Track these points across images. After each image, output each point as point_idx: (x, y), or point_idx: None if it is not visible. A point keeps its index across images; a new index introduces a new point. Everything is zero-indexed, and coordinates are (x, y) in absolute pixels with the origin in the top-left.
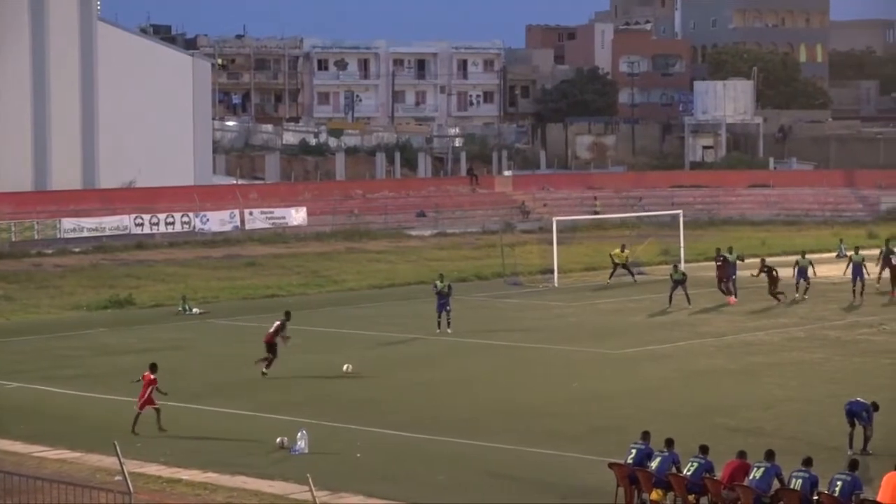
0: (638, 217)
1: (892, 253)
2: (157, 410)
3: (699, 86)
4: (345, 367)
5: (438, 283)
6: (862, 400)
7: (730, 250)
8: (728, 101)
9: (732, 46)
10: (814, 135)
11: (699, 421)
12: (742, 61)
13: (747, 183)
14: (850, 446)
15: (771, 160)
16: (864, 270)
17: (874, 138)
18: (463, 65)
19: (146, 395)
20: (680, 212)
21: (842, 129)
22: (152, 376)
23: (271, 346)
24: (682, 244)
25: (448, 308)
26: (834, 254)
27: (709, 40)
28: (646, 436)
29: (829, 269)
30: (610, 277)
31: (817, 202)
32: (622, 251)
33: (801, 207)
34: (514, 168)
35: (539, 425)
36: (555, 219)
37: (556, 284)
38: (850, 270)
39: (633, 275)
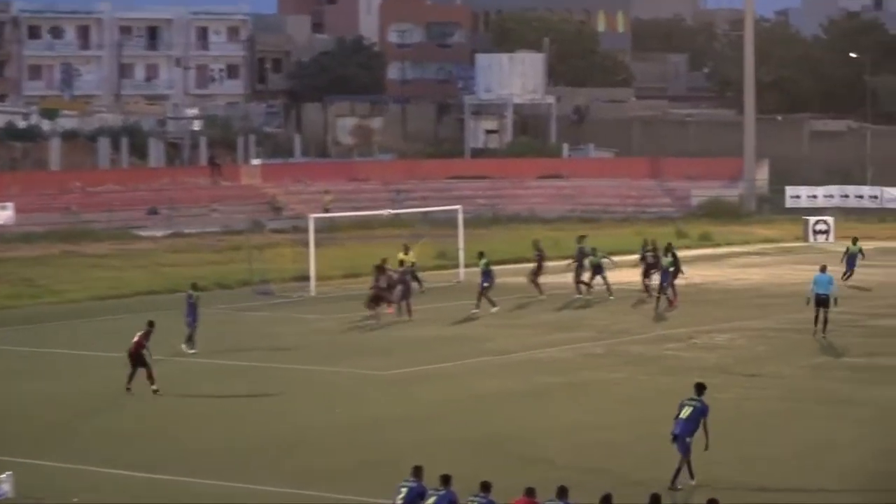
0: (409, 214)
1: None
2: None
3: (481, 59)
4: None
5: (193, 292)
6: (687, 416)
7: (480, 255)
8: (515, 78)
9: (520, 13)
10: (614, 117)
11: (481, 453)
12: (531, 31)
13: (537, 173)
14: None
15: (565, 146)
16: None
17: (683, 121)
18: (203, 33)
19: None
20: (459, 207)
21: (646, 111)
22: None
23: (138, 358)
24: (461, 245)
25: (195, 324)
26: (637, 255)
27: (492, 5)
28: (417, 471)
29: (633, 274)
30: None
31: (618, 196)
32: (406, 253)
33: (599, 202)
34: (264, 156)
35: (295, 461)
36: (311, 216)
37: (313, 293)
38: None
39: (419, 282)
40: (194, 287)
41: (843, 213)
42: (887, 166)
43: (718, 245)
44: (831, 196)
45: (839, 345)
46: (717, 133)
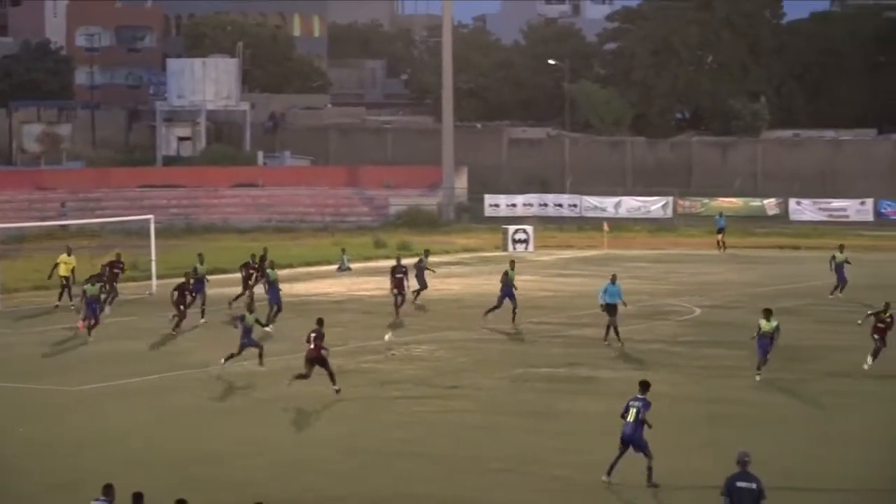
0: (101, 224)
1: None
2: None
3: (173, 64)
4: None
5: None
6: (633, 418)
7: (201, 258)
8: (209, 83)
9: (213, 17)
10: (311, 124)
11: (176, 471)
12: (225, 35)
13: (232, 182)
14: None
15: (260, 154)
16: (406, 281)
17: (381, 128)
18: None
19: None
20: (151, 217)
21: (343, 118)
22: None
23: (318, 360)
24: (153, 256)
25: None
26: (335, 266)
27: (185, 9)
28: (108, 490)
29: (331, 285)
30: (59, 298)
31: (316, 205)
32: (69, 254)
33: (296, 211)
34: None
35: None
36: None
37: None
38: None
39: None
40: None
41: (542, 221)
42: (586, 174)
43: (418, 255)
44: (531, 204)
45: (538, 355)
46: (415, 141)
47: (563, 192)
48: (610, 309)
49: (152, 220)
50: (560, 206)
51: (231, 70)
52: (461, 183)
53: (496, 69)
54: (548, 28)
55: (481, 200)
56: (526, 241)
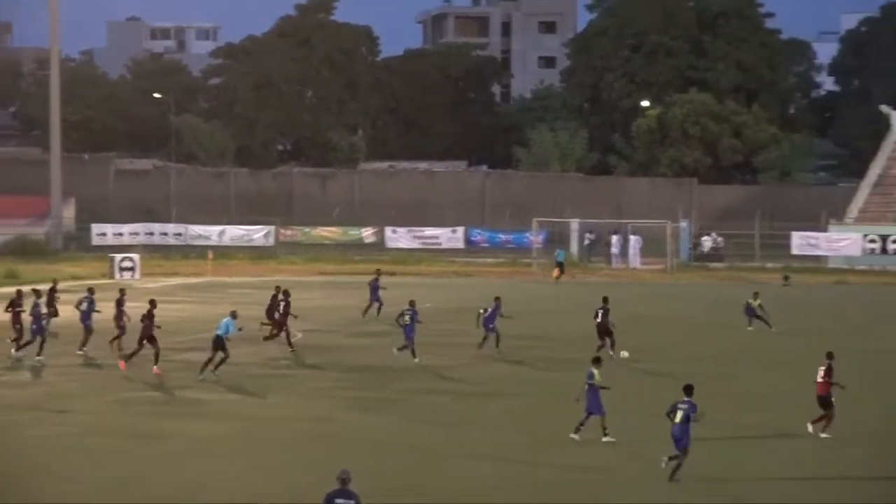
0: None
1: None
2: None
3: None
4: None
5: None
6: (680, 420)
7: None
8: None
9: None
10: None
11: None
12: None
13: None
14: None
15: None
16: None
17: None
18: None
19: None
20: None
21: None
22: None
23: (607, 331)
24: None
25: None
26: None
27: None
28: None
29: None
30: None
31: None
32: None
33: None
34: None
35: None
36: None
37: None
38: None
39: None
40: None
41: (148, 250)
42: (191, 204)
43: (26, 283)
44: (137, 233)
45: (144, 379)
46: (23, 171)
47: (168, 221)
48: (215, 341)
49: None
50: (166, 234)
51: None
52: (69, 213)
53: (103, 101)
54: (153, 63)
55: (89, 230)
56: (132, 269)
